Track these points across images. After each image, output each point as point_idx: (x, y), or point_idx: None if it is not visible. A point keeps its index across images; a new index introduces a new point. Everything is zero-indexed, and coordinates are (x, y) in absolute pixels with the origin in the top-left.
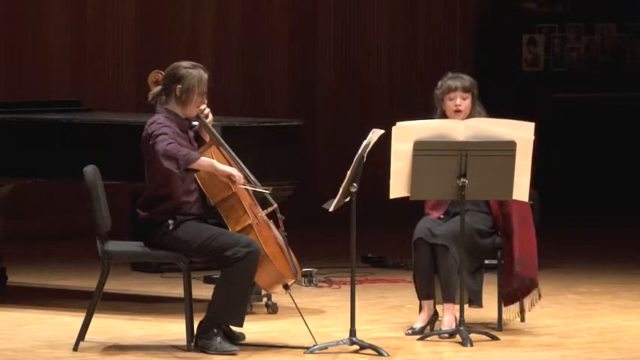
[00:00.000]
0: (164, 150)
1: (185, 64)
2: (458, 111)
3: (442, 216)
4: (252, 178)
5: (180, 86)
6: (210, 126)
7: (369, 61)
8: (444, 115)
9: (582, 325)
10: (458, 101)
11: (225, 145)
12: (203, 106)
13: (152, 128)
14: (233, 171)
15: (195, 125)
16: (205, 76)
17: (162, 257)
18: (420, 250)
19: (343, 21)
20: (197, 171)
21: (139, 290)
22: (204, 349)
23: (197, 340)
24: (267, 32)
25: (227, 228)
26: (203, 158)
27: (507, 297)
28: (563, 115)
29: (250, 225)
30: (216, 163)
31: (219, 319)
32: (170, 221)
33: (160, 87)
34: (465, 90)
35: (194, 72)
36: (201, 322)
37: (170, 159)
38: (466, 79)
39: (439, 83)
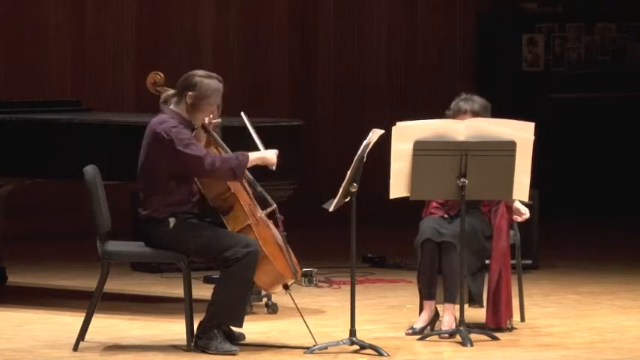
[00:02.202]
0: (214, 168)
1: (200, 72)
2: None
3: (446, 215)
4: (251, 177)
5: (191, 93)
6: (211, 129)
7: (369, 61)
8: None
9: (582, 325)
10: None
11: (225, 146)
12: (215, 119)
13: (172, 132)
14: (275, 150)
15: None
16: (221, 87)
17: (163, 257)
18: (427, 250)
19: (343, 21)
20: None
21: (139, 290)
22: (204, 349)
23: (197, 341)
24: (267, 32)
25: (226, 228)
26: (251, 157)
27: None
28: (563, 115)
29: (249, 225)
30: (261, 154)
31: (218, 319)
32: (171, 219)
33: (172, 90)
34: (475, 113)
35: (208, 81)
36: (201, 323)
37: (225, 172)
38: (477, 102)
39: (452, 103)
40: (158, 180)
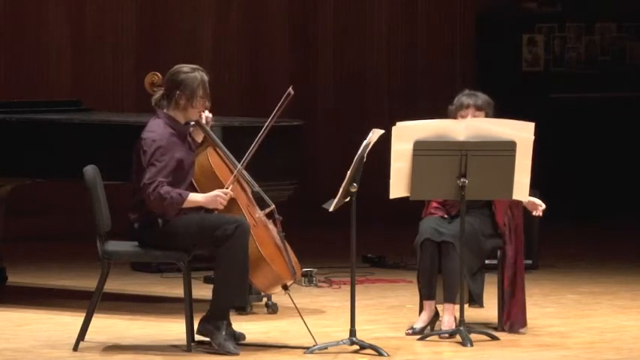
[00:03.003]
0: (149, 200)
1: (185, 68)
2: None
3: (446, 216)
4: (249, 178)
5: (179, 92)
6: (208, 128)
7: (369, 61)
8: None
9: (582, 325)
10: (469, 118)
11: (222, 146)
12: (207, 112)
13: (151, 146)
14: (218, 192)
15: (190, 126)
16: (206, 77)
17: (162, 257)
18: (427, 250)
19: (343, 21)
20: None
21: (139, 290)
22: (208, 336)
23: (202, 327)
24: (267, 32)
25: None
26: (189, 199)
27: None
28: (563, 115)
29: None
30: (198, 197)
31: (224, 302)
32: (159, 219)
33: (161, 91)
34: (478, 108)
35: (194, 75)
36: (201, 320)
37: (156, 207)
38: (480, 98)
39: (455, 99)
40: None
